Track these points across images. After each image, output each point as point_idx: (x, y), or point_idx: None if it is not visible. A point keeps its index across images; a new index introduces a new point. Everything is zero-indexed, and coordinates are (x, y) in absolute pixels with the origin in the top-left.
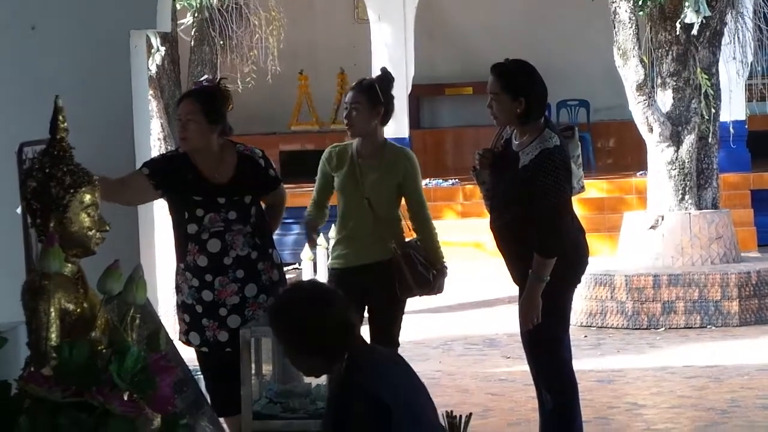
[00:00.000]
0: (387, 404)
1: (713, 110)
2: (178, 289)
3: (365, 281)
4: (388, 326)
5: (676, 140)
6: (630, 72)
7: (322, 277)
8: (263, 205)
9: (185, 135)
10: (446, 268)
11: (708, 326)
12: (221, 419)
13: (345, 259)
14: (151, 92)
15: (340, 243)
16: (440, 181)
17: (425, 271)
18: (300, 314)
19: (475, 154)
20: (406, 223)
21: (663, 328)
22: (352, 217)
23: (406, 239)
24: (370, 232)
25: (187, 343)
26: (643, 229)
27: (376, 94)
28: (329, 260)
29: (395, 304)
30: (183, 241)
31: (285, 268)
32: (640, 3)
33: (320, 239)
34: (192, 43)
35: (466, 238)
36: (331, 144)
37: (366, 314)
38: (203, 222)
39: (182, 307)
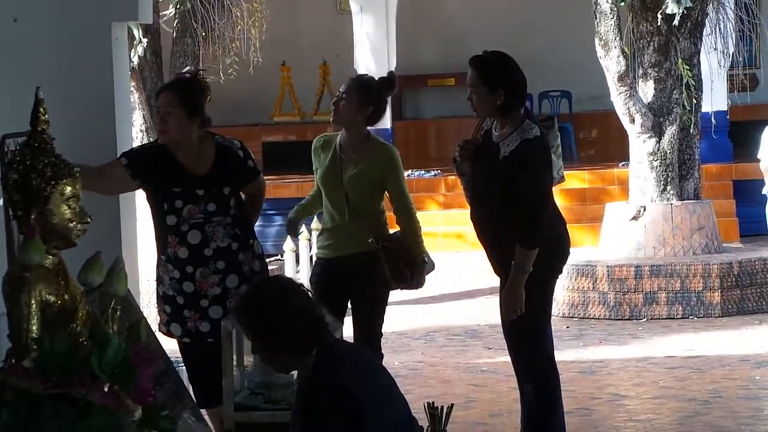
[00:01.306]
0: (356, 396)
1: (695, 101)
2: (159, 281)
3: (346, 273)
4: (369, 318)
5: (657, 131)
6: (611, 63)
7: (304, 268)
8: (243, 196)
9: (164, 127)
10: (427, 263)
11: (690, 317)
12: (203, 411)
13: (327, 250)
14: (133, 84)
15: (323, 234)
16: (422, 172)
17: (404, 265)
18: (266, 311)
19: (455, 146)
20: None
21: (645, 319)
22: (332, 209)
23: (391, 232)
24: (349, 225)
25: (168, 334)
26: (625, 219)
27: (369, 92)
28: (315, 250)
29: (376, 297)
30: (163, 233)
31: (267, 260)
32: None
33: (302, 229)
34: (174, 34)
35: (448, 229)
36: (313, 135)
37: (349, 305)
38: (182, 214)
39: (163, 299)
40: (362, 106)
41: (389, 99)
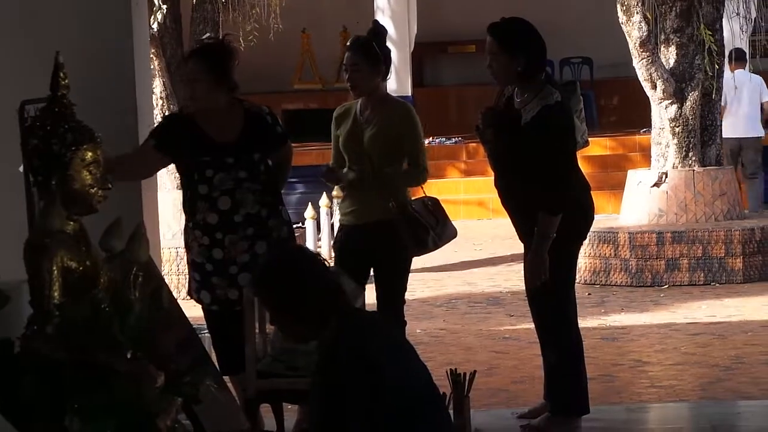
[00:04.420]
0: (377, 365)
1: (717, 66)
2: (188, 248)
3: (369, 240)
4: (391, 285)
5: (679, 97)
6: (633, 28)
7: (325, 235)
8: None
9: (192, 94)
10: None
11: (712, 283)
12: (226, 378)
13: (350, 216)
14: (152, 51)
15: (346, 201)
16: (443, 139)
17: (424, 232)
18: (281, 283)
19: (478, 114)
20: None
21: (667, 286)
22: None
23: (413, 198)
24: (372, 191)
25: (199, 301)
26: (647, 186)
27: (375, 53)
28: (336, 217)
29: (398, 263)
30: (193, 201)
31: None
32: None
33: (323, 198)
34: (194, 0)
35: (470, 197)
36: (334, 102)
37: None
38: (213, 182)
39: (192, 266)
40: (374, 69)
41: (389, 48)
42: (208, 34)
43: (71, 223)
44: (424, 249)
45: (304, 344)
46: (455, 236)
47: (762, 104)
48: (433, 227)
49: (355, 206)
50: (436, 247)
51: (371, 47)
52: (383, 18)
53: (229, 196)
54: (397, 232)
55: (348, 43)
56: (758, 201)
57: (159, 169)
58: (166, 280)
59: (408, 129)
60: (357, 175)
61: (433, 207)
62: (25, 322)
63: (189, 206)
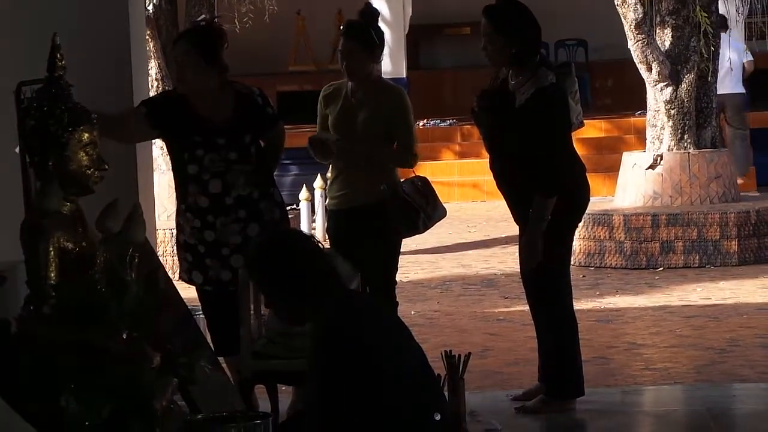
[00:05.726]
0: (372, 348)
1: (713, 49)
2: (180, 229)
3: (360, 223)
4: (383, 268)
5: (675, 79)
6: (629, 10)
7: (320, 217)
8: (262, 144)
9: (182, 77)
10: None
11: (707, 266)
12: (221, 359)
13: (340, 200)
14: (148, 33)
15: (335, 184)
16: (438, 121)
17: (415, 214)
18: (275, 266)
19: (474, 97)
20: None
21: (662, 268)
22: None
23: (401, 180)
24: (363, 173)
25: (190, 282)
26: (642, 168)
27: (370, 37)
28: (327, 200)
29: (389, 246)
30: (184, 182)
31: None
32: None
33: (317, 180)
34: None
35: (464, 179)
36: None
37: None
38: (203, 162)
39: (184, 247)
40: (369, 54)
41: (382, 31)
42: (203, 16)
43: (68, 204)
44: (415, 231)
45: (299, 326)
46: (444, 216)
47: (743, 64)
48: (423, 209)
49: (344, 190)
50: (426, 228)
51: (365, 32)
52: (378, 0)
53: (220, 179)
54: (386, 214)
55: (342, 29)
56: (745, 163)
57: (140, 138)
58: (161, 261)
59: (400, 113)
60: (346, 153)
61: (423, 186)
62: (22, 302)
63: (180, 188)
